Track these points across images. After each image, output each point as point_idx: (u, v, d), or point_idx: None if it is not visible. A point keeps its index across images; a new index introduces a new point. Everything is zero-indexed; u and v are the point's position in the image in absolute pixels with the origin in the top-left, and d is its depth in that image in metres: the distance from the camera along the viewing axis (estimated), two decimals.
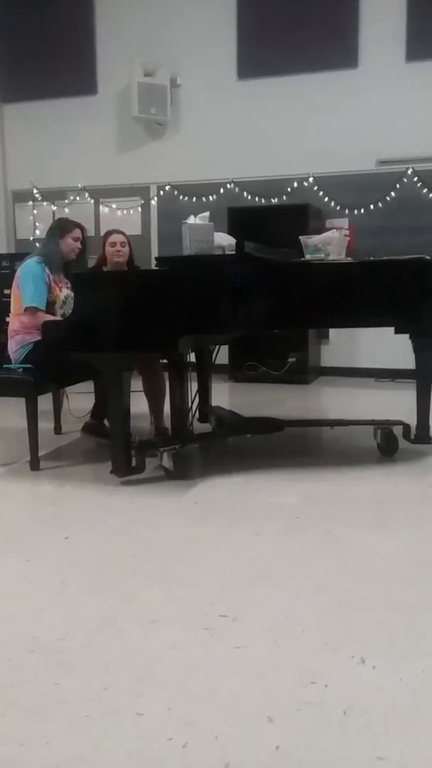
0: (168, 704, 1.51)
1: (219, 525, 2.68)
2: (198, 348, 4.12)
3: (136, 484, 3.11)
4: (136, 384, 3.59)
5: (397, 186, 6.10)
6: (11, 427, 4.07)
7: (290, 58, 6.27)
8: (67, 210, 6.86)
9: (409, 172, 6.06)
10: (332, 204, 6.30)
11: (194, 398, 3.86)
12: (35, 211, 7.21)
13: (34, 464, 3.39)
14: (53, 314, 3.52)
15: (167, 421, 3.82)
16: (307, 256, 3.59)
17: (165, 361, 3.72)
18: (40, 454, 3.42)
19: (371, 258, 4.04)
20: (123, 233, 4.12)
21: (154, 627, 1.86)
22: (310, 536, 2.51)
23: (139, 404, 3.73)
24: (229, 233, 3.89)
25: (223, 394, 5.51)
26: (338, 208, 6.28)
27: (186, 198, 6.70)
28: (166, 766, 1.33)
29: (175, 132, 6.79)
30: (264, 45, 6.37)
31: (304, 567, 2.24)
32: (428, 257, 3.52)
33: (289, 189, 6.40)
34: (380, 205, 6.15)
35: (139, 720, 1.46)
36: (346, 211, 6.25)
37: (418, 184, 6.05)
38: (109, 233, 4.15)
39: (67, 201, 7.04)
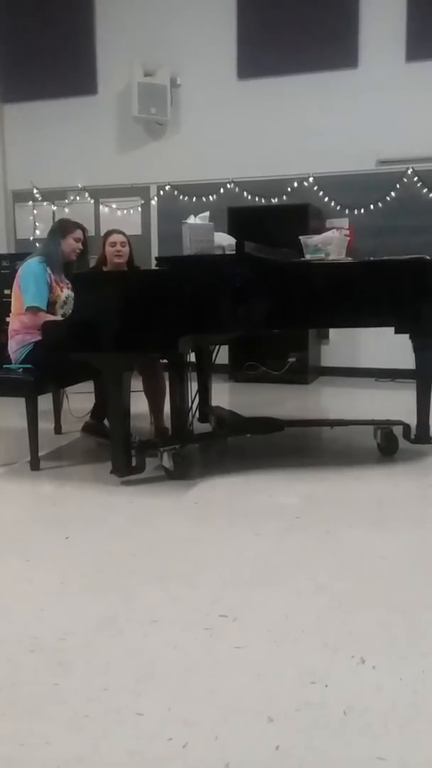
0: (168, 704, 1.51)
1: (219, 525, 2.68)
2: (198, 348, 4.12)
3: (136, 484, 3.11)
4: (136, 384, 3.59)
5: (397, 186, 6.10)
6: (11, 427, 4.07)
7: (290, 58, 6.27)
8: (67, 210, 6.86)
9: (409, 172, 6.06)
10: (332, 204, 6.30)
11: (194, 398, 3.86)
12: (35, 211, 7.21)
13: (34, 464, 3.39)
14: (54, 314, 3.52)
15: (167, 421, 3.82)
16: (307, 256, 3.59)
17: (165, 361, 3.72)
18: (40, 454, 3.42)
19: (371, 258, 4.04)
20: (123, 233, 4.12)
21: (154, 627, 1.86)
22: (310, 536, 2.51)
23: (139, 404, 3.73)
24: (229, 233, 3.89)
25: (223, 394, 5.52)
26: (338, 208, 6.28)
27: (186, 198, 6.70)
28: (166, 766, 1.33)
29: (175, 132, 6.79)
30: (264, 45, 6.37)
31: (304, 567, 2.24)
32: (428, 257, 3.52)
33: (289, 189, 6.40)
34: (380, 205, 6.15)
35: (139, 720, 1.46)
36: (346, 211, 6.26)
37: (418, 184, 6.06)
38: (109, 233, 4.15)
39: (67, 201, 7.04)
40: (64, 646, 1.77)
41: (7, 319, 3.65)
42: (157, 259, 4.18)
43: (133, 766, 1.33)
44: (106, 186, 6.89)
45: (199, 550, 2.42)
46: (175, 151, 6.72)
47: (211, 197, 6.57)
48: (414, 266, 3.47)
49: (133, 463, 3.14)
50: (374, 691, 1.55)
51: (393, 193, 6.11)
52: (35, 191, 7.14)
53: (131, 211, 6.92)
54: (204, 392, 4.21)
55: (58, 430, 4.16)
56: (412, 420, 3.52)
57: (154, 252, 6.54)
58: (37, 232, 7.12)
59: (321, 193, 6.31)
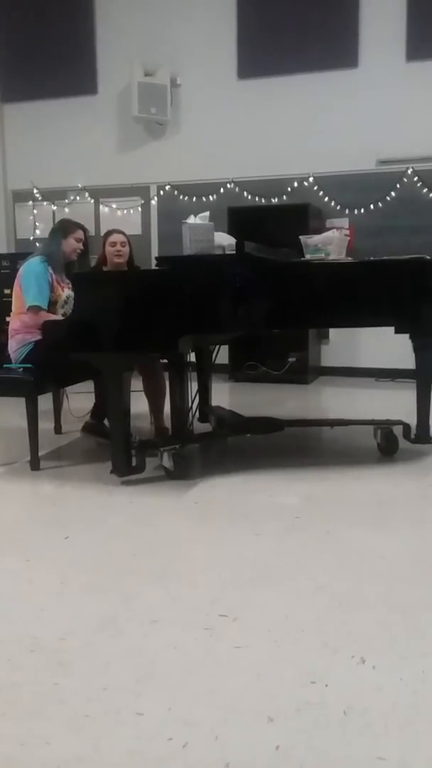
0: (168, 704, 1.51)
1: (219, 525, 2.68)
2: (198, 348, 4.12)
3: (136, 483, 3.11)
4: (136, 384, 3.59)
5: (397, 186, 6.10)
6: (11, 427, 4.07)
7: (290, 58, 6.27)
8: (67, 210, 6.86)
9: (409, 171, 6.06)
10: (332, 204, 6.30)
11: (194, 398, 3.86)
12: (35, 211, 7.21)
13: (34, 464, 3.39)
14: (55, 314, 3.52)
15: (167, 421, 3.82)
16: (307, 256, 3.59)
17: (165, 361, 3.72)
18: (40, 453, 3.42)
19: (371, 258, 4.04)
20: (123, 233, 4.12)
21: (154, 627, 1.86)
22: (310, 536, 2.51)
23: (139, 404, 3.73)
24: (229, 233, 3.89)
25: (223, 394, 5.52)
26: (338, 207, 6.28)
27: (186, 198, 6.70)
28: (166, 766, 1.33)
29: (175, 132, 6.79)
30: (264, 45, 6.37)
31: (304, 567, 2.24)
32: (428, 257, 3.52)
33: (289, 189, 6.40)
34: (380, 204, 6.15)
35: (139, 720, 1.46)
36: (347, 211, 6.26)
37: (418, 184, 6.06)
38: (109, 233, 4.15)
39: (67, 201, 7.04)
40: (64, 646, 1.77)
41: (8, 319, 3.65)
42: (157, 258, 4.18)
43: (133, 766, 1.33)
44: (106, 186, 6.89)
45: (199, 550, 2.42)
46: (175, 150, 6.72)
47: (211, 197, 6.57)
48: (414, 266, 3.47)
49: (133, 463, 3.14)
50: (374, 691, 1.55)
51: (393, 193, 6.11)
52: (35, 191, 7.14)
53: (131, 211, 6.92)
54: (204, 392, 4.21)
55: (58, 429, 4.16)
56: (412, 420, 3.52)
57: (154, 252, 6.54)
58: (37, 231, 7.13)
59: (321, 192, 6.31)
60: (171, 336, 3.04)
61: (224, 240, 3.42)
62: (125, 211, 6.92)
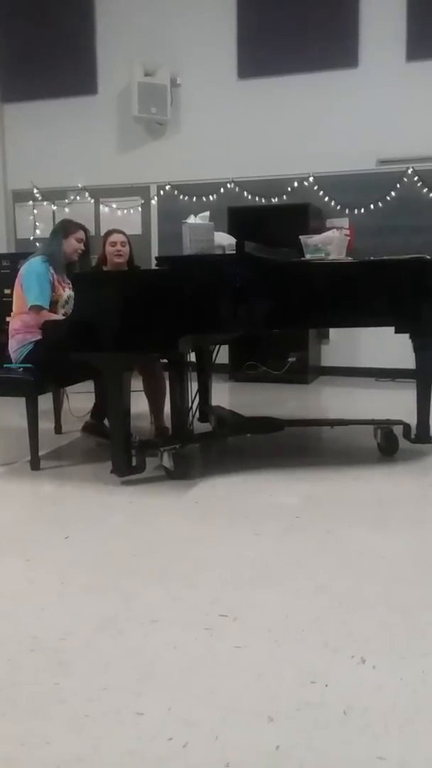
0: (168, 704, 1.51)
1: (219, 525, 2.68)
2: (198, 348, 4.12)
3: (136, 483, 3.11)
4: (136, 384, 3.59)
5: (398, 186, 6.10)
6: (11, 427, 4.07)
7: (290, 57, 6.27)
8: (67, 210, 6.86)
9: (409, 171, 6.06)
10: (332, 204, 6.30)
11: (194, 398, 3.86)
12: (35, 211, 7.21)
13: (35, 464, 3.39)
14: (56, 314, 3.52)
15: (167, 421, 3.82)
16: (308, 256, 3.59)
17: (165, 360, 3.72)
18: (40, 453, 3.42)
19: (371, 258, 4.04)
20: (123, 233, 4.12)
21: (154, 627, 1.86)
22: (310, 536, 2.51)
23: (139, 404, 3.73)
24: (229, 233, 3.89)
25: (224, 394, 5.51)
26: (338, 207, 6.28)
27: (186, 198, 6.70)
28: (166, 766, 1.33)
29: (175, 132, 6.79)
30: (264, 45, 6.37)
31: (304, 567, 2.24)
32: (428, 257, 3.52)
33: (289, 189, 6.40)
34: (380, 204, 6.15)
35: (140, 720, 1.46)
36: (347, 211, 6.26)
37: (418, 184, 6.06)
38: (109, 233, 4.15)
39: (67, 201, 7.04)
40: (64, 646, 1.77)
41: (8, 319, 3.65)
42: (157, 258, 4.18)
43: (133, 766, 1.33)
44: (107, 186, 6.89)
45: (199, 550, 2.42)
46: (175, 150, 6.72)
47: (211, 197, 6.57)
48: (414, 266, 3.47)
49: (134, 463, 3.14)
50: (374, 690, 1.55)
51: (393, 193, 6.11)
52: (35, 191, 7.14)
53: (131, 211, 6.92)
54: (204, 392, 4.21)
55: (58, 429, 4.16)
56: (412, 420, 3.51)
57: (154, 252, 6.54)
58: (38, 231, 7.13)
59: (321, 192, 6.31)
60: (171, 336, 3.04)
61: (224, 240, 3.42)
62: (125, 211, 6.92)
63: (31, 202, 7.20)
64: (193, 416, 3.81)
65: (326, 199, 6.30)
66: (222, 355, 4.79)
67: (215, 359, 4.43)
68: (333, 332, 6.47)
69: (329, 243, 3.56)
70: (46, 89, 6.98)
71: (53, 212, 7.04)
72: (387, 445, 3.53)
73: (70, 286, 3.59)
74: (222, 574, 2.18)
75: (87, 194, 7.01)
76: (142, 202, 6.87)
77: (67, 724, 1.45)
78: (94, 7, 6.87)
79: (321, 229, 5.28)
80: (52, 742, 1.40)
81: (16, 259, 5.70)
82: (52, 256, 3.59)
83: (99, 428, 3.81)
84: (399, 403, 4.15)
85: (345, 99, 6.19)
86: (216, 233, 3.37)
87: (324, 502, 2.89)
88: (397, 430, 3.55)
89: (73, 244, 3.64)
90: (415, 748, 1.37)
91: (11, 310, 3.61)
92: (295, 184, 6.37)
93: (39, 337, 3.35)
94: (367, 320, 3.69)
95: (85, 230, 3.73)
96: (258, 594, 2.05)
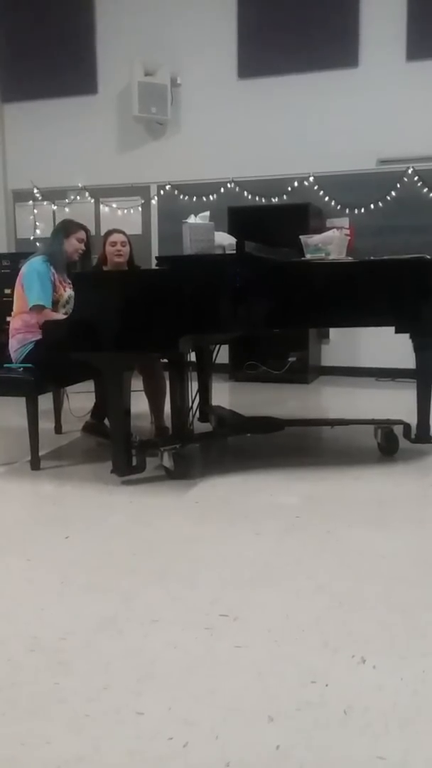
0: (168, 704, 1.51)
1: (219, 524, 2.68)
2: (198, 347, 4.12)
3: (136, 483, 3.11)
4: (137, 384, 3.59)
5: (398, 185, 6.10)
6: (11, 427, 4.07)
7: (291, 57, 6.27)
8: (67, 209, 6.86)
9: (410, 171, 6.06)
10: (333, 203, 6.30)
11: (194, 398, 3.86)
12: (35, 211, 7.22)
13: (35, 464, 3.39)
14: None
15: (168, 421, 3.82)
16: (308, 256, 3.59)
17: (165, 360, 3.72)
18: (40, 453, 3.42)
19: (372, 257, 4.04)
20: (123, 233, 4.12)
21: (154, 627, 1.86)
22: (310, 536, 2.51)
23: (139, 404, 3.73)
24: (230, 233, 3.89)
25: (224, 394, 5.51)
26: (339, 207, 6.28)
27: (186, 197, 6.70)
28: (166, 765, 1.33)
29: (175, 131, 6.79)
30: (264, 44, 6.37)
31: (305, 567, 2.24)
32: (428, 257, 3.52)
33: (289, 188, 6.40)
34: (380, 204, 6.15)
35: (140, 719, 1.46)
36: (347, 211, 6.26)
37: (419, 184, 6.06)
38: (109, 233, 4.15)
39: (67, 200, 7.04)
40: (64, 646, 1.77)
41: (8, 319, 3.65)
42: (157, 258, 4.18)
43: (134, 765, 1.33)
44: (107, 185, 6.89)
45: (199, 550, 2.42)
46: (175, 150, 6.72)
47: (211, 197, 6.57)
48: (414, 266, 3.47)
49: (134, 463, 3.15)
50: (375, 690, 1.55)
51: (393, 193, 6.11)
52: (35, 191, 7.14)
53: (131, 211, 6.92)
54: (204, 392, 4.21)
55: (58, 429, 4.16)
56: (412, 419, 3.51)
57: (155, 251, 6.54)
58: (38, 231, 7.13)
59: (321, 192, 6.31)
60: (171, 336, 3.04)
61: (224, 240, 3.42)
62: (125, 211, 6.92)
63: (31, 202, 7.20)
64: (194, 416, 3.81)
65: (326, 198, 6.30)
66: (222, 355, 4.79)
67: (215, 359, 4.43)
68: (333, 332, 6.47)
69: (329, 243, 3.56)
70: (46, 89, 6.99)
71: (53, 212, 7.05)
72: (387, 444, 3.53)
73: (71, 285, 3.59)
74: (222, 574, 2.18)
75: (87, 194, 7.01)
76: (143, 201, 6.88)
77: (67, 724, 1.45)
78: (94, 7, 6.87)
79: (321, 229, 5.28)
80: (52, 742, 1.40)
81: (17, 258, 5.70)
82: (53, 255, 3.59)
83: (99, 428, 3.81)
84: (399, 403, 4.15)
85: (345, 99, 6.19)
86: (216, 233, 3.37)
87: (324, 502, 2.89)
88: (398, 429, 3.55)
89: (74, 244, 3.64)
90: (415, 748, 1.37)
91: (11, 310, 3.62)
92: (295, 184, 6.37)
93: (39, 336, 3.35)
94: (368, 320, 3.69)
95: (86, 230, 3.73)
96: (258, 594, 2.05)
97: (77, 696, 1.55)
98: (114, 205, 6.98)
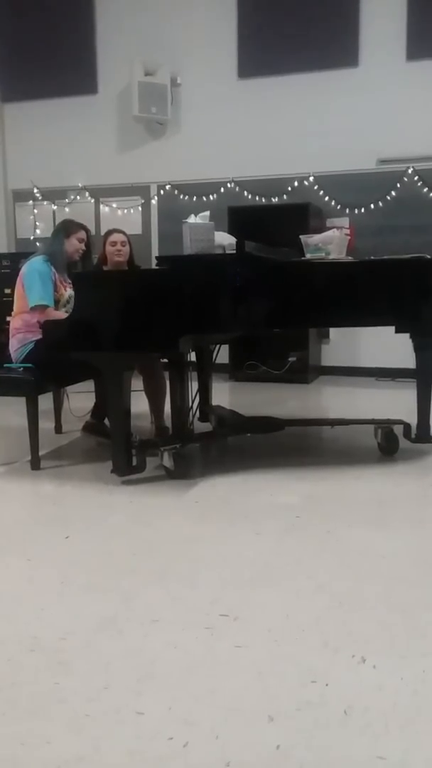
0: (168, 704, 1.51)
1: (219, 524, 2.68)
2: (198, 347, 4.12)
3: (136, 483, 3.11)
4: (137, 383, 3.59)
5: (398, 185, 6.10)
6: (11, 427, 4.07)
7: (291, 57, 6.27)
8: (67, 209, 6.86)
9: (410, 171, 6.06)
10: (333, 203, 6.30)
11: (195, 398, 3.86)
12: (36, 211, 7.22)
13: (35, 463, 3.39)
14: None
15: (168, 421, 3.82)
16: (308, 256, 3.59)
17: (165, 360, 3.72)
18: (40, 453, 3.42)
19: (372, 257, 4.04)
20: (123, 232, 4.12)
21: (154, 626, 1.85)
22: (310, 536, 2.51)
23: (139, 404, 3.73)
24: (230, 232, 3.89)
25: (224, 394, 5.51)
26: (339, 207, 6.28)
27: (186, 197, 6.70)
28: (166, 765, 1.33)
29: (175, 131, 6.78)
30: (264, 44, 6.36)
31: (305, 566, 2.24)
32: (429, 256, 3.52)
33: (289, 188, 6.40)
34: (381, 204, 6.15)
35: (140, 719, 1.46)
36: (347, 211, 6.25)
37: (419, 184, 6.06)
38: (109, 233, 4.15)
39: (67, 200, 7.04)
40: (64, 646, 1.77)
41: (8, 319, 3.65)
42: (157, 258, 4.18)
43: (134, 765, 1.33)
44: (107, 185, 6.89)
45: (199, 550, 2.42)
46: (175, 150, 6.72)
47: (211, 196, 6.57)
48: (414, 265, 3.47)
49: (134, 463, 3.15)
50: (375, 690, 1.55)
51: (393, 193, 6.11)
52: (35, 191, 7.14)
53: (131, 211, 6.92)
54: (204, 392, 4.21)
55: (58, 429, 4.16)
56: (412, 419, 3.51)
57: (155, 251, 6.54)
58: (38, 231, 7.13)
59: (321, 192, 6.31)
60: (171, 335, 3.04)
61: (224, 239, 3.42)
62: (125, 211, 6.92)
63: (31, 202, 7.20)
64: (194, 416, 3.81)
65: (326, 198, 6.30)
66: (222, 354, 4.79)
67: (215, 359, 4.43)
68: (333, 332, 6.47)
69: (329, 242, 3.56)
70: (46, 89, 6.98)
71: (53, 212, 7.05)
72: (387, 444, 3.53)
73: (71, 285, 3.59)
74: (222, 574, 2.18)
75: (87, 194, 7.01)
76: (143, 201, 6.87)
77: (67, 724, 1.45)
78: (94, 7, 6.87)
79: (321, 229, 5.28)
80: (52, 742, 1.40)
81: (17, 258, 5.70)
82: (53, 255, 3.59)
83: (99, 428, 3.81)
84: (399, 403, 4.15)
85: (345, 99, 6.19)
86: (216, 233, 3.37)
87: (324, 502, 2.89)
88: (398, 429, 3.55)
89: (74, 244, 3.64)
90: (415, 748, 1.37)
91: (11, 310, 3.62)
92: (296, 183, 6.37)
93: (40, 336, 3.34)
94: (368, 320, 3.68)
95: (87, 230, 3.73)
96: (258, 594, 2.05)
97: (77, 696, 1.55)
98: (114, 205, 6.97)
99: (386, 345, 4.59)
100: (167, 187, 6.77)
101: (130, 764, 1.33)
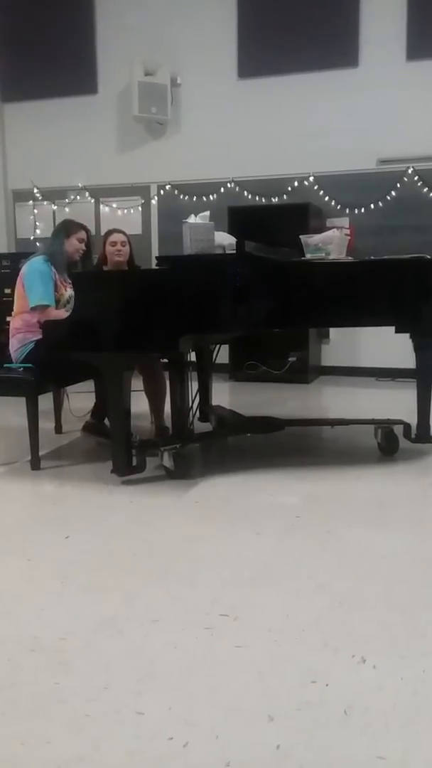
0: (168, 704, 1.51)
1: (219, 524, 2.68)
2: (198, 347, 4.12)
3: (136, 483, 3.11)
4: (137, 383, 3.59)
5: (398, 185, 6.10)
6: (12, 427, 4.07)
7: (291, 57, 6.27)
8: (67, 209, 6.86)
9: (410, 171, 6.06)
10: (333, 203, 6.30)
11: (195, 398, 3.86)
12: (36, 211, 7.22)
13: (35, 464, 3.39)
14: None
15: (168, 421, 3.82)
16: (308, 256, 3.59)
17: (165, 360, 3.72)
18: (40, 453, 3.42)
19: (372, 257, 4.04)
20: (123, 233, 4.12)
21: (154, 626, 1.85)
22: (310, 536, 2.51)
23: (139, 404, 3.73)
24: (230, 232, 3.89)
25: (224, 394, 5.52)
26: (339, 207, 6.28)
27: (186, 197, 6.70)
28: (166, 765, 1.33)
29: (175, 131, 6.79)
30: (264, 44, 6.36)
31: (305, 566, 2.24)
32: (429, 256, 3.52)
33: (289, 188, 6.40)
34: (381, 204, 6.15)
35: (140, 719, 1.46)
36: (347, 211, 6.26)
37: (419, 184, 6.06)
38: (109, 233, 4.15)
39: (67, 200, 7.04)
40: (64, 646, 1.77)
41: (8, 319, 3.65)
42: (157, 258, 4.18)
43: (134, 765, 1.33)
44: (107, 185, 6.89)
45: (199, 550, 2.42)
46: (175, 150, 6.72)
47: (211, 196, 6.57)
48: (414, 266, 3.47)
49: (134, 463, 3.14)
50: (375, 690, 1.55)
51: (393, 193, 6.11)
52: (35, 191, 7.14)
53: (132, 211, 6.92)
54: (204, 392, 4.21)
55: (58, 429, 4.16)
56: (412, 419, 3.51)
57: (155, 251, 6.54)
58: (38, 231, 7.13)
59: (321, 192, 6.31)
60: (171, 335, 3.04)
61: (224, 239, 3.42)
62: (125, 211, 6.92)
63: (31, 202, 7.20)
64: (194, 416, 3.81)
65: (326, 198, 6.30)
66: (222, 354, 4.79)
67: (215, 359, 4.43)
68: (333, 332, 6.47)
69: (329, 242, 3.56)
70: (46, 89, 6.98)
71: (53, 212, 7.05)
72: (387, 444, 3.53)
73: (72, 285, 3.59)
74: (222, 574, 2.18)
75: (87, 194, 7.01)
76: (143, 201, 6.87)
77: (67, 724, 1.45)
78: (94, 7, 6.87)
79: (321, 229, 5.28)
80: (52, 742, 1.40)
81: (17, 258, 5.70)
82: (53, 255, 3.59)
83: (99, 428, 3.81)
84: (399, 403, 4.15)
85: (345, 99, 6.19)
86: (216, 233, 3.36)
87: (324, 502, 2.89)
88: (398, 429, 3.55)
89: (74, 244, 3.64)
90: (415, 748, 1.37)
91: (11, 310, 3.62)
92: (295, 183, 6.37)
93: (40, 336, 3.34)
94: (368, 320, 3.68)
95: (87, 230, 3.73)
96: (258, 594, 2.05)
97: (77, 696, 1.55)
98: (114, 205, 6.97)
99: (386, 345, 4.59)
100: (167, 187, 6.77)
101: (130, 764, 1.33)
